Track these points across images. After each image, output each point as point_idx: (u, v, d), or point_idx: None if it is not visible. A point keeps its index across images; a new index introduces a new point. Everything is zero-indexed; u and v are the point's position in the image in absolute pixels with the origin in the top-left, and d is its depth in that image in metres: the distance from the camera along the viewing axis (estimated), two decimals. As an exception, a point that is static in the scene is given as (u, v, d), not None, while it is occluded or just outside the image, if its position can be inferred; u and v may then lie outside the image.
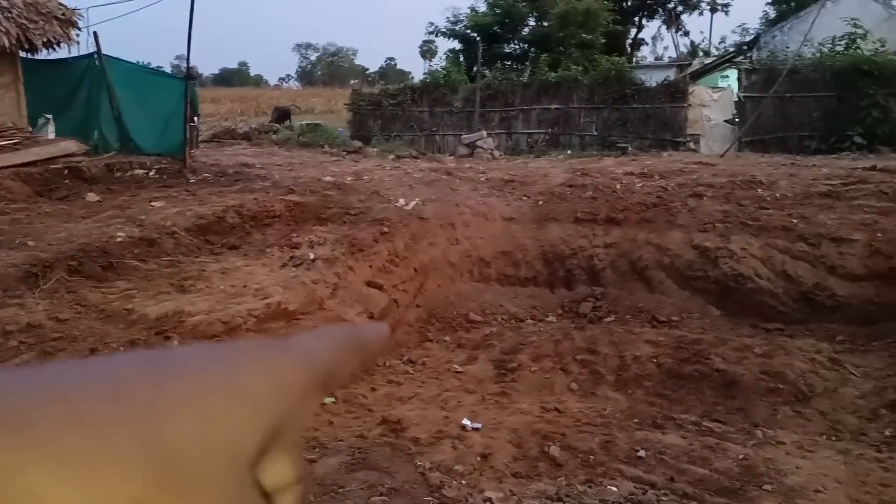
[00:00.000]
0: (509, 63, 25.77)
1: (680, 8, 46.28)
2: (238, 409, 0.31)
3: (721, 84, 21.62)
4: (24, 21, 10.97)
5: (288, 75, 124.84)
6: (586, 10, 24.64)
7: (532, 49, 25.99)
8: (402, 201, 9.41)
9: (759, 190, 9.95)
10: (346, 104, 22.85)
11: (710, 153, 16.98)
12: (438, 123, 20.36)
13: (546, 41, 24.87)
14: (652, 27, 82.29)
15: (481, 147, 17.66)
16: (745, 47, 24.36)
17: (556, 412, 5.32)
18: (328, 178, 11.16)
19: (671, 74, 25.81)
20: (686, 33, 57.04)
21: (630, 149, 17.27)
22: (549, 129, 19.49)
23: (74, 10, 12.03)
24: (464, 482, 3.80)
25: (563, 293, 8.59)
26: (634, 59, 38.92)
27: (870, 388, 6.04)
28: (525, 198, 9.94)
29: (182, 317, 5.56)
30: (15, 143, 10.35)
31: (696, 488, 4.08)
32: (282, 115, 25.79)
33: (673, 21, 48.66)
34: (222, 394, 0.31)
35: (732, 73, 21.66)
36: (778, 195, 9.55)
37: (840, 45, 18.16)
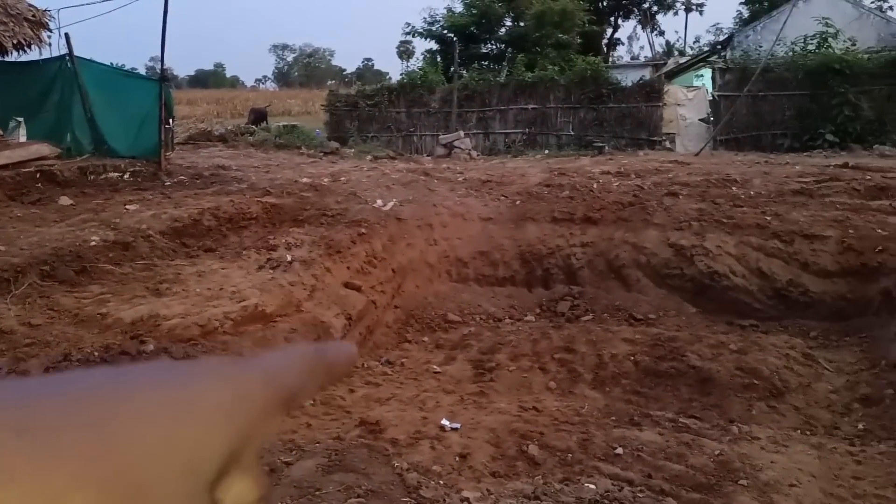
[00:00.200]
0: (486, 63, 25.82)
1: (655, 8, 46.63)
2: (197, 427, 0.31)
3: (696, 83, 21.82)
4: (-6, 23, 10.83)
5: (265, 76, 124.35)
6: (562, 10, 24.74)
7: (509, 49, 26.06)
8: (379, 202, 9.39)
9: (733, 188, 10.05)
10: (322, 105, 22.78)
11: (685, 152, 17.14)
12: (416, 124, 20.37)
13: (522, 41, 24.94)
14: (628, 27, 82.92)
15: (459, 147, 17.68)
16: (720, 47, 24.55)
17: (534, 411, 5.33)
18: (305, 180, 11.12)
19: (647, 74, 25.99)
20: (661, 33, 57.61)
21: (606, 148, 17.39)
22: (526, 129, 19.57)
23: (45, 11, 11.90)
24: (441, 482, 3.80)
25: (541, 292, 8.62)
26: (610, 59, 39.20)
27: (842, 382, 6.13)
28: (502, 198, 9.96)
29: (157, 320, 5.51)
30: (-15, 147, 10.21)
31: (673, 484, 4.11)
32: (258, 116, 25.65)
33: (648, 21, 49.03)
34: (181, 412, 0.31)
35: (707, 73, 21.85)
36: (752, 193, 9.66)
37: (812, 44, 18.40)
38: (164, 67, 12.64)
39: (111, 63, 17.41)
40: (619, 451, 4.54)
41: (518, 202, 9.71)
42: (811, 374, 6.20)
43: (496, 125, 19.89)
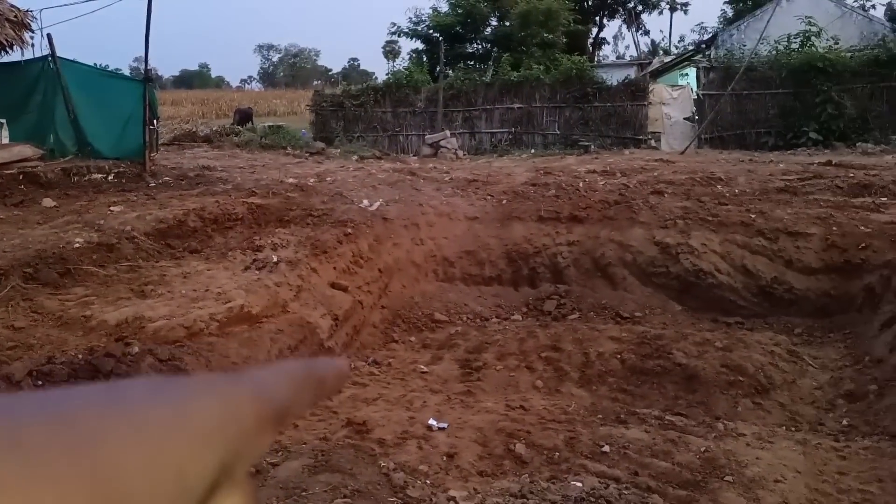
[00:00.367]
0: (472, 63, 25.83)
1: (640, 7, 46.76)
2: (187, 443, 0.31)
3: (680, 82, 21.95)
4: (-26, 24, 10.73)
5: (250, 77, 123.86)
6: (547, 9, 24.76)
7: (494, 49, 26.05)
8: (365, 202, 9.37)
9: (718, 186, 10.11)
10: (308, 105, 22.71)
11: (670, 150, 17.22)
12: (402, 124, 20.36)
13: (508, 41, 24.95)
14: (613, 26, 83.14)
15: (445, 147, 17.69)
16: (704, 46, 24.73)
17: (521, 410, 5.34)
18: (291, 180, 11.08)
19: (632, 73, 26.11)
20: (646, 32, 57.80)
21: (592, 147, 17.43)
22: (512, 129, 19.60)
23: (27, 11, 11.79)
24: (428, 482, 3.80)
25: (528, 291, 8.64)
26: (596, 59, 39.29)
27: (827, 378, 6.18)
28: (489, 197, 9.96)
29: (142, 322, 5.47)
30: (-33, 149, 10.11)
31: (659, 482, 4.13)
32: (244, 117, 25.57)
33: (633, 20, 49.18)
34: (171, 428, 0.31)
35: (692, 72, 22.01)
36: (737, 191, 9.71)
37: (795, 42, 18.53)
38: (149, 68, 12.57)
39: (95, 64, 17.32)
40: (606, 448, 4.55)
41: (504, 201, 9.72)
42: (796, 371, 6.25)
43: (482, 125, 19.91)
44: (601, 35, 44.64)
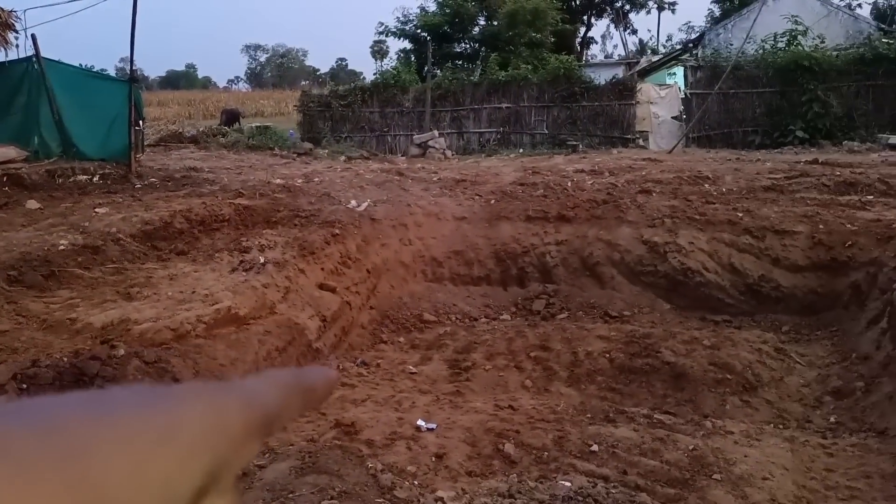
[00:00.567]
0: (460, 63, 25.83)
1: (627, 6, 46.90)
2: (174, 451, 0.31)
3: (668, 81, 22.01)
4: (-42, 24, 10.64)
5: (237, 77, 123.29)
6: (534, 9, 24.77)
7: (482, 48, 26.05)
8: (353, 203, 9.35)
9: (705, 185, 10.14)
10: (296, 106, 22.64)
11: (658, 149, 17.28)
12: (389, 124, 20.33)
13: (495, 40, 24.95)
14: (601, 26, 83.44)
15: (433, 147, 17.68)
16: (691, 45, 24.82)
17: (509, 410, 5.33)
18: (278, 181, 11.05)
19: (620, 72, 26.16)
20: (634, 31, 57.98)
21: (580, 146, 17.47)
22: (500, 128, 19.61)
23: (11, 12, 11.71)
24: (416, 483, 3.78)
25: (516, 291, 8.64)
26: (584, 58, 39.37)
27: (814, 376, 6.21)
28: (477, 197, 9.96)
29: (128, 325, 5.43)
30: (-50, 151, 10.03)
31: (648, 480, 4.13)
32: (231, 117, 25.47)
33: (621, 19, 49.32)
34: (158, 436, 0.31)
35: (679, 71, 22.07)
36: (724, 190, 9.75)
37: (781, 41, 18.62)
38: (134, 68, 12.51)
39: (80, 64, 17.20)
40: (595, 447, 4.56)
41: (492, 201, 9.72)
42: (783, 368, 6.27)
43: (470, 124, 19.91)
44: (589, 34, 44.79)
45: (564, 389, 6.10)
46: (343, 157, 16.13)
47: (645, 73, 23.12)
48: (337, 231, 8.16)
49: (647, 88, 19.35)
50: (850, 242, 7.64)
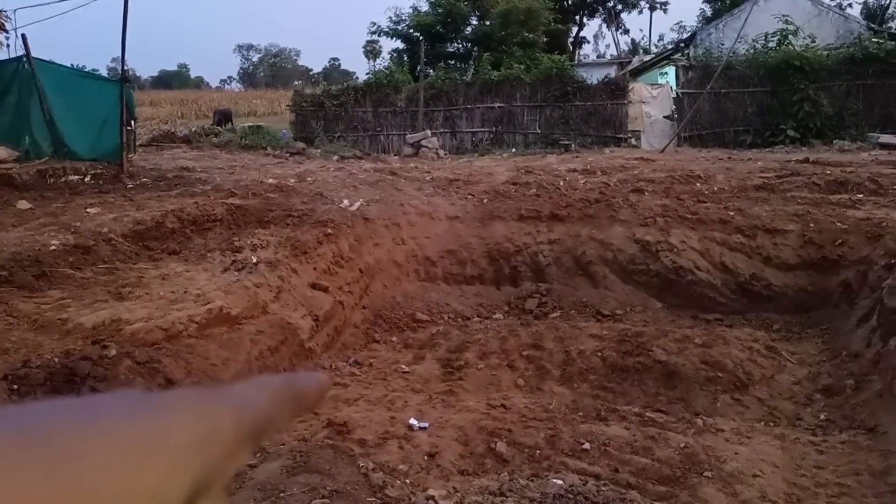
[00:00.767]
0: (453, 62, 25.84)
1: (619, 6, 47.00)
2: (165, 459, 0.31)
3: (660, 81, 22.08)
4: (-52, 24, 10.59)
5: (230, 77, 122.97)
6: (527, 9, 24.83)
7: (475, 48, 26.09)
8: (346, 202, 9.34)
9: (697, 184, 10.17)
10: (288, 106, 22.61)
11: (650, 149, 17.32)
12: (382, 123, 20.33)
13: (488, 40, 24.99)
14: (593, 25, 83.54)
15: (426, 146, 17.67)
16: (683, 45, 24.87)
17: (502, 408, 5.34)
18: (271, 181, 11.03)
19: (612, 72, 26.24)
20: (626, 31, 58.22)
21: (573, 146, 17.50)
22: (493, 128, 19.63)
23: (1, 12, 11.65)
24: (408, 482, 3.79)
25: (509, 290, 8.64)
26: (576, 58, 39.44)
27: (804, 374, 6.23)
28: (470, 196, 9.97)
29: (120, 325, 5.41)
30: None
31: (639, 478, 4.15)
32: (223, 117, 25.40)
33: (613, 19, 49.43)
34: (149, 444, 0.31)
35: (671, 70, 22.14)
36: (715, 189, 9.78)
37: (772, 41, 18.69)
38: (126, 68, 12.47)
39: (71, 64, 17.14)
40: (587, 446, 4.57)
41: (485, 200, 9.73)
42: (774, 367, 6.30)
43: (463, 124, 19.92)
44: (581, 34, 44.93)
45: (557, 388, 6.11)
46: (336, 157, 16.12)
47: (637, 73, 23.19)
48: (330, 231, 8.16)
49: (639, 88, 19.41)
50: (840, 241, 7.67)
